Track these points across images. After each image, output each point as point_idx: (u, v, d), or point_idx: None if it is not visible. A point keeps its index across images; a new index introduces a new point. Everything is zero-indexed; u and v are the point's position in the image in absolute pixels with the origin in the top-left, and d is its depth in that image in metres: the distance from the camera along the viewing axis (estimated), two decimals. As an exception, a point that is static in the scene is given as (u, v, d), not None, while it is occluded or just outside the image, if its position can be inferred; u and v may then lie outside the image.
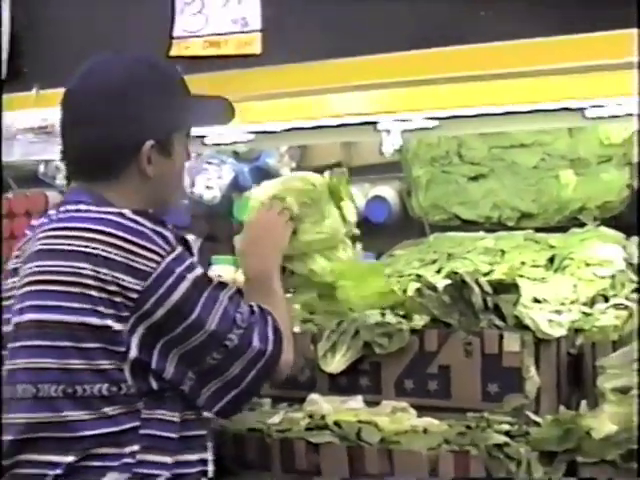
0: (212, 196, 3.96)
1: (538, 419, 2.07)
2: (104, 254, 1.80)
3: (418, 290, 2.36)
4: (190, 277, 1.81)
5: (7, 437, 1.86)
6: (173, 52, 2.96)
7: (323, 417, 2.20)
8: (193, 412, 1.86)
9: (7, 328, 1.90)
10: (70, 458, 1.79)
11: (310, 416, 2.24)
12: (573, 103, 2.46)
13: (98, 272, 1.79)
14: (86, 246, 1.82)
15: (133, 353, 1.78)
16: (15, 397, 1.87)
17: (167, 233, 1.83)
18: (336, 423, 2.15)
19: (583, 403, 2.10)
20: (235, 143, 3.30)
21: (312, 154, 4.02)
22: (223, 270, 3.75)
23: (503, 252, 2.99)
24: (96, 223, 1.84)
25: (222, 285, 1.88)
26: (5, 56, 3.27)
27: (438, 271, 3.03)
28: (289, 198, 2.23)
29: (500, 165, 3.35)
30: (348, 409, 2.26)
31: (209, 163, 3.99)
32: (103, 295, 1.79)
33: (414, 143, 3.55)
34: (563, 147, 3.21)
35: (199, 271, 1.84)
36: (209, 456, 1.92)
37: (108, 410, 1.79)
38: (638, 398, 1.95)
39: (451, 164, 3.48)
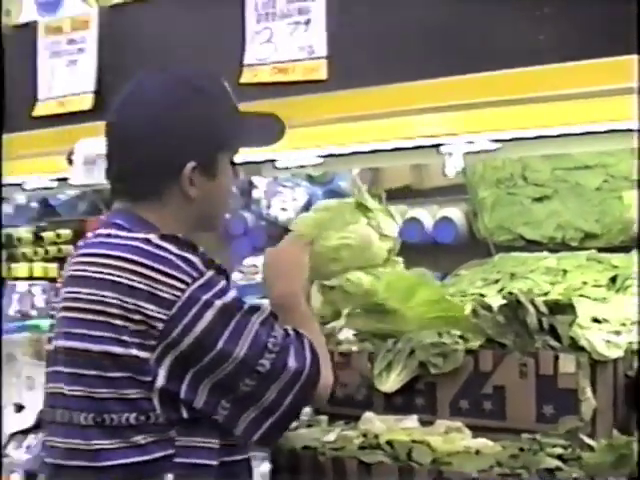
0: (287, 218, 3.91)
1: (592, 443, 1.93)
2: (128, 282, 1.71)
3: (474, 310, 2.23)
4: (218, 304, 1.70)
5: (48, 459, 1.82)
6: (243, 79, 2.89)
7: (376, 436, 2.10)
8: (233, 437, 1.75)
9: (50, 347, 1.85)
10: None
11: (364, 435, 2.14)
12: (635, 124, 2.32)
13: (122, 301, 1.71)
14: (110, 274, 1.73)
15: (160, 382, 1.69)
16: (55, 421, 1.81)
17: (194, 259, 1.72)
18: (389, 442, 2.04)
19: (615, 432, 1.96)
20: (304, 167, 3.23)
21: (383, 177, 3.93)
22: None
23: (565, 272, 2.84)
24: (122, 250, 1.75)
25: (253, 309, 1.76)
26: None
27: (500, 290, 2.91)
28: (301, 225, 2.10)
29: (564, 186, 3.22)
30: (402, 428, 2.15)
31: (284, 186, 3.94)
32: (128, 324, 1.70)
33: (480, 166, 3.44)
34: (626, 168, 3.06)
35: (229, 296, 1.73)
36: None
37: (138, 439, 1.70)
38: None
39: (516, 186, 3.37)
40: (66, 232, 4.50)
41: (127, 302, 1.70)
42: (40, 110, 3.31)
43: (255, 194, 4.02)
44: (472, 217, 3.51)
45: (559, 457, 1.88)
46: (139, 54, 3.12)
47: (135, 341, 1.69)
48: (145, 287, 1.70)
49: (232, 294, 1.74)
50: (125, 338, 1.70)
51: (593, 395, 2.05)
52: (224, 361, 1.70)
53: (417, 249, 3.67)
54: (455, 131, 2.64)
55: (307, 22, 2.83)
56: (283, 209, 3.89)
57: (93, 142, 3.34)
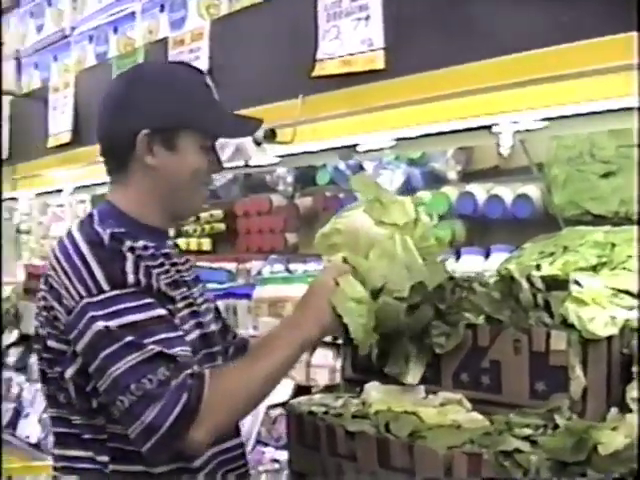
0: (386, 197, 3.59)
1: (562, 423, 1.54)
2: (50, 279, 1.53)
3: (470, 288, 1.87)
4: (99, 325, 1.45)
5: None
6: (315, 72, 2.67)
7: (370, 405, 1.79)
8: None
9: None
10: None
11: (363, 403, 1.84)
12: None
13: (45, 293, 1.54)
14: (47, 267, 1.58)
15: (68, 374, 1.53)
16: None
17: (100, 273, 1.48)
18: (376, 412, 1.74)
19: (613, 410, 1.54)
20: (380, 150, 2.93)
21: (475, 158, 3.53)
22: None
23: (614, 245, 2.39)
24: (57, 246, 1.58)
25: (138, 345, 1.45)
26: None
27: (551, 263, 2.50)
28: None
29: (627, 162, 2.73)
30: (399, 399, 1.83)
31: (385, 168, 3.63)
32: (48, 316, 1.53)
33: (553, 145, 3.00)
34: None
35: (121, 321, 1.46)
36: None
37: (74, 418, 1.56)
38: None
39: (584, 163, 2.90)
40: (217, 212, 4.40)
41: (47, 297, 1.55)
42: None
43: (364, 176, 3.73)
44: (547, 194, 3.07)
45: (527, 438, 1.51)
46: (238, 57, 3.00)
47: (52, 333, 1.53)
48: (57, 287, 1.52)
49: (126, 320, 1.46)
50: (48, 328, 1.55)
51: (584, 373, 1.66)
52: (100, 377, 1.47)
53: (499, 223, 3.29)
54: (506, 110, 2.27)
55: (367, 18, 2.57)
56: (383, 189, 3.59)
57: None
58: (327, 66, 2.67)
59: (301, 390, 2.85)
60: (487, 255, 3.16)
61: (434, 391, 1.87)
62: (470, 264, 3.10)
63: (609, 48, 1.92)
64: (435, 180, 3.54)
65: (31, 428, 4.12)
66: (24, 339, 4.52)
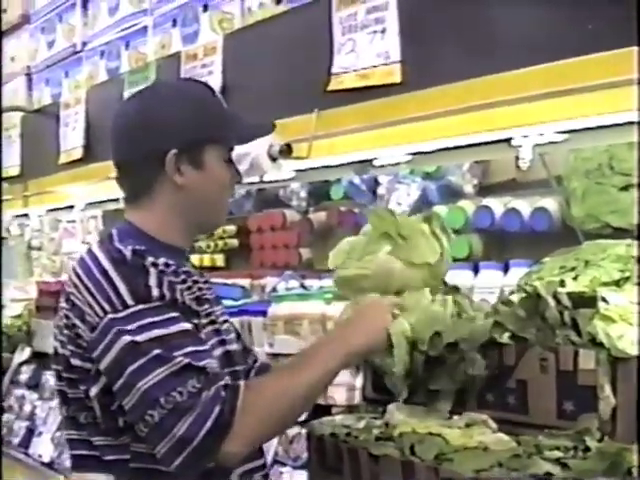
0: (401, 211, 3.57)
1: (593, 445, 1.50)
2: (72, 297, 1.52)
3: (494, 307, 1.83)
4: (126, 339, 1.43)
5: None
6: (331, 87, 2.65)
7: (394, 427, 1.76)
8: None
9: None
10: None
11: (386, 424, 1.81)
12: None
13: (68, 312, 1.52)
14: (68, 285, 1.56)
15: (93, 392, 1.50)
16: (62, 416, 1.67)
17: (124, 288, 1.45)
18: (401, 435, 1.70)
19: (647, 432, 1.51)
20: (397, 164, 2.90)
21: (491, 171, 3.50)
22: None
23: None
24: (78, 263, 1.56)
25: (166, 358, 1.43)
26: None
27: (575, 278, 2.46)
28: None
29: (648, 175, 2.69)
30: (423, 420, 1.79)
31: (400, 182, 3.60)
32: (71, 334, 1.51)
33: (572, 157, 2.97)
34: None
35: (147, 335, 1.43)
36: None
37: (95, 439, 1.53)
38: None
39: (604, 176, 2.86)
40: (231, 227, 4.37)
41: (69, 315, 1.52)
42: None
43: (379, 191, 3.71)
44: (565, 207, 3.04)
45: (558, 460, 1.48)
46: (252, 71, 2.99)
47: (76, 351, 1.51)
48: (80, 304, 1.50)
49: (152, 334, 1.44)
50: (70, 347, 1.52)
51: (613, 393, 1.62)
52: (127, 393, 1.44)
53: (517, 237, 3.25)
54: (525, 123, 2.25)
55: (383, 31, 2.55)
56: (399, 203, 3.56)
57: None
58: (343, 80, 2.65)
59: (317, 408, 2.81)
60: (506, 269, 3.12)
61: (459, 412, 1.84)
62: (489, 279, 3.06)
63: (628, 60, 1.89)
64: (451, 194, 3.51)
65: (44, 447, 4.09)
66: (36, 356, 4.50)
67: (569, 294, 1.75)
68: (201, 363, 1.45)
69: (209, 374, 1.45)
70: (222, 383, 1.45)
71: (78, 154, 3.70)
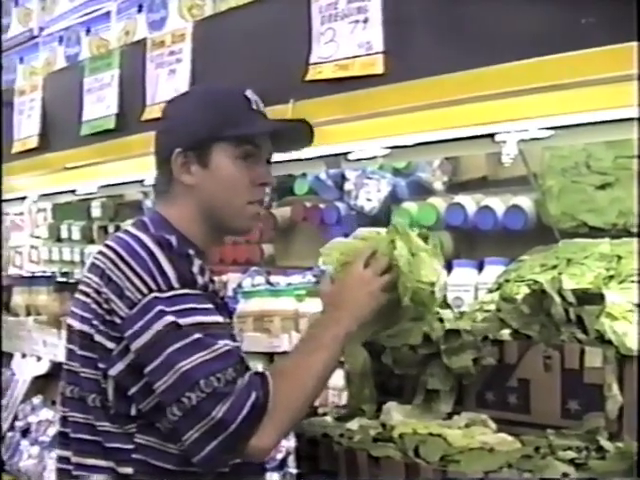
0: (371, 207, 3.52)
1: (609, 446, 1.46)
2: (109, 273, 1.48)
3: (496, 304, 1.79)
4: (168, 319, 1.41)
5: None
6: (309, 76, 2.57)
7: (392, 428, 1.70)
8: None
9: None
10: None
11: (383, 425, 1.74)
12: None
13: (100, 287, 1.48)
14: (104, 262, 1.51)
15: (113, 372, 1.45)
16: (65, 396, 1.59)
17: (171, 271, 1.45)
18: (401, 435, 1.64)
19: (662, 432, 1.47)
20: (372, 158, 2.84)
21: (462, 168, 3.46)
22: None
23: (619, 258, 2.34)
24: (116, 242, 1.53)
25: (209, 343, 1.43)
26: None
27: (573, 275, 2.42)
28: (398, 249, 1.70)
29: (625, 174, 2.68)
30: (421, 419, 1.74)
31: (369, 178, 3.54)
32: (100, 310, 1.46)
33: (547, 155, 2.95)
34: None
35: (188, 320, 1.42)
36: None
37: (102, 424, 1.47)
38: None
39: (580, 174, 2.85)
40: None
41: (103, 290, 1.48)
42: (147, 114, 3.12)
43: (347, 186, 3.64)
44: (540, 205, 3.02)
45: (571, 461, 1.43)
46: (224, 60, 2.89)
47: (101, 329, 1.47)
48: (118, 280, 1.47)
49: (194, 319, 1.44)
50: (95, 323, 1.48)
51: (620, 392, 1.59)
52: (164, 372, 1.41)
53: (490, 236, 3.22)
54: (509, 118, 2.21)
55: (365, 20, 2.48)
56: (368, 199, 3.50)
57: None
58: (322, 70, 2.58)
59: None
60: (480, 268, 3.09)
61: (457, 411, 1.79)
62: (463, 277, 3.03)
63: (611, 57, 1.87)
64: (421, 191, 3.47)
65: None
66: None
67: (573, 291, 1.71)
68: (239, 352, 1.49)
69: (245, 363, 1.48)
70: (254, 371, 1.49)
71: (33, 143, 3.55)
